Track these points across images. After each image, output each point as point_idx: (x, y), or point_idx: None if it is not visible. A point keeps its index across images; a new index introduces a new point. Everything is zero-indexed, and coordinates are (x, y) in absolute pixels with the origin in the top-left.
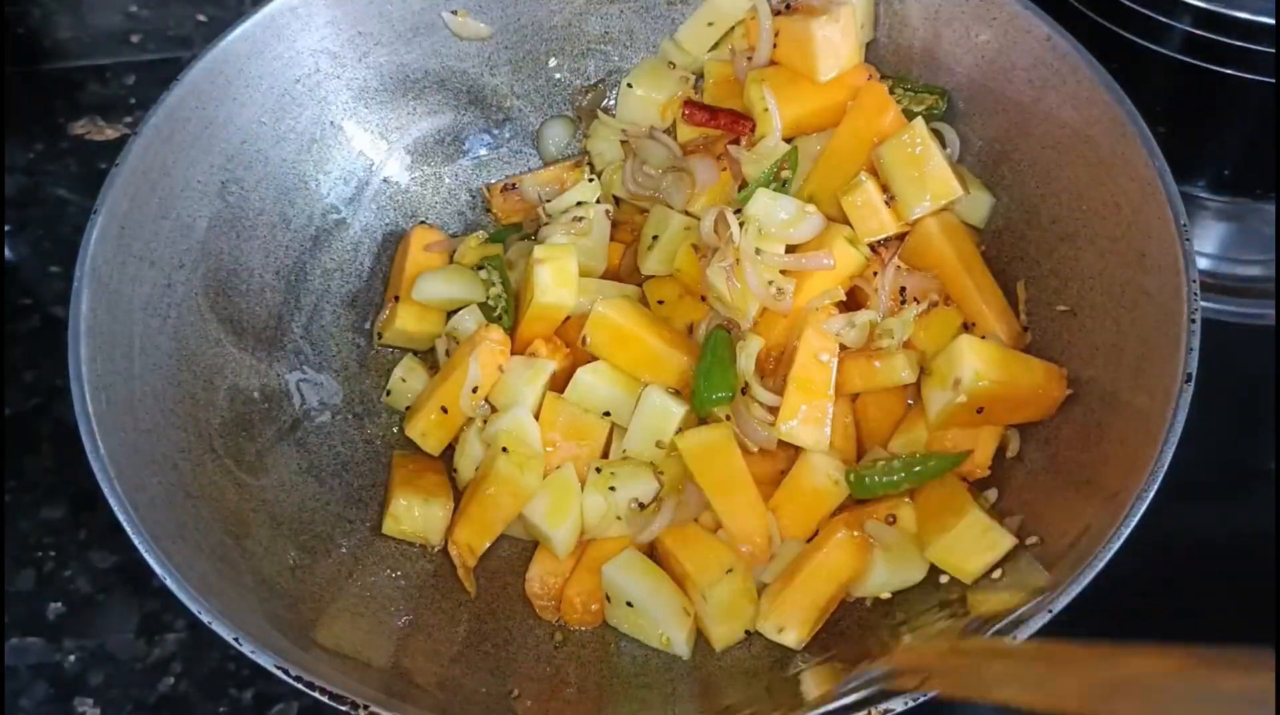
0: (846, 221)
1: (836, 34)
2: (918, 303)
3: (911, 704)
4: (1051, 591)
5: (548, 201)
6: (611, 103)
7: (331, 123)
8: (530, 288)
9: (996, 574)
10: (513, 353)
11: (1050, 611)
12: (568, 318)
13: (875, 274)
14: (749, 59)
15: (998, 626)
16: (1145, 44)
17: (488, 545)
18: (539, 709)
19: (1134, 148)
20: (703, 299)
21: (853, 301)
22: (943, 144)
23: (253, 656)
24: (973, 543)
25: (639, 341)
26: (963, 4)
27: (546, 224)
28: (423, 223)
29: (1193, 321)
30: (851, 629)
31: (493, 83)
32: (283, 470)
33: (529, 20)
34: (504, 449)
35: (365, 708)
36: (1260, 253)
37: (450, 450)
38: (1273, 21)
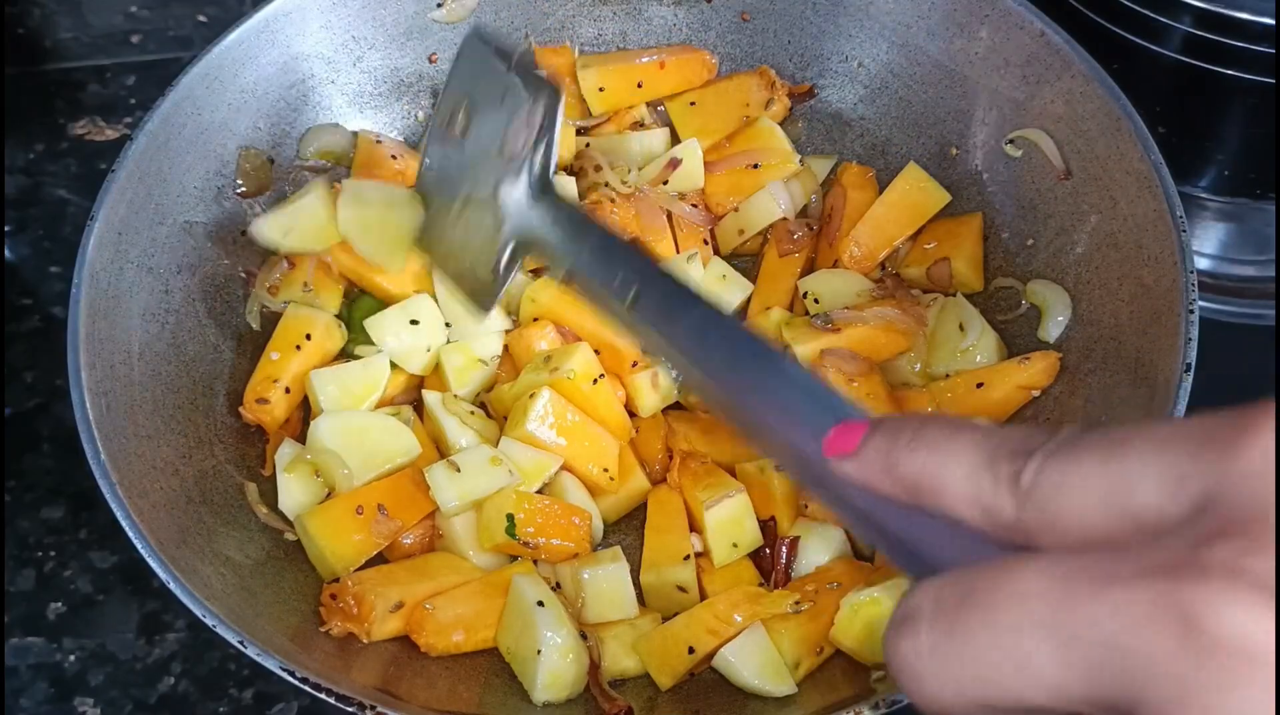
0: None
1: None
2: None
3: None
4: None
5: None
6: None
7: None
8: None
9: None
10: None
11: None
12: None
13: None
14: None
15: None
16: (1145, 44)
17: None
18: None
19: (1129, 142)
20: None
21: None
22: None
23: (258, 660)
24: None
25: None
26: (956, 1)
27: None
28: None
29: (1190, 312)
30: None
31: None
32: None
33: (523, 23)
34: None
35: (372, 708)
36: (1260, 253)
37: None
38: (1273, 22)
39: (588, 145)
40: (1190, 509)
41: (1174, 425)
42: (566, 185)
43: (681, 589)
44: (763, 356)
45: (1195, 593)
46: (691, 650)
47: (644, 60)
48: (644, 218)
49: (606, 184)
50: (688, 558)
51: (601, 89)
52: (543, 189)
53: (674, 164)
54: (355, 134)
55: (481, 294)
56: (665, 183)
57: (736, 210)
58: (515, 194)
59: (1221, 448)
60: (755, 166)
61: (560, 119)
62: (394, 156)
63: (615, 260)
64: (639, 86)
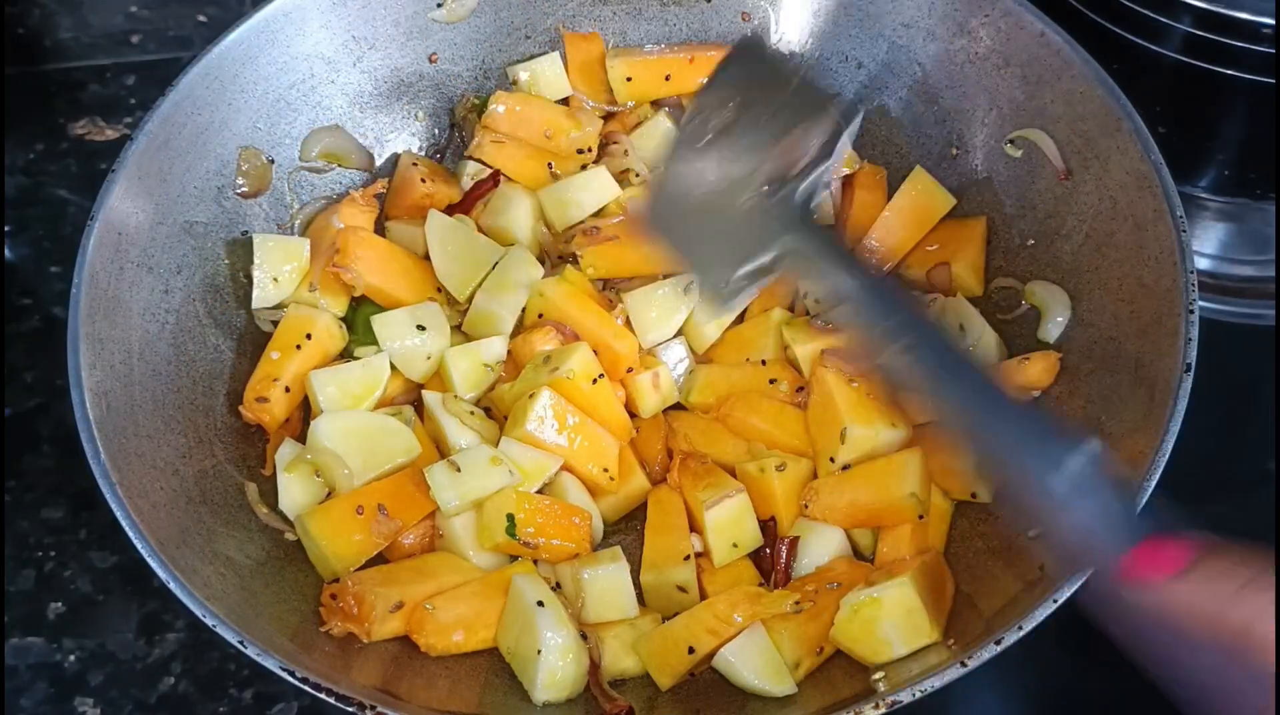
0: None
1: None
2: None
3: (920, 695)
4: (1055, 582)
5: None
6: None
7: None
8: None
9: None
10: None
11: (1055, 601)
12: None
13: None
14: None
15: (999, 615)
16: (1145, 44)
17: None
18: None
19: (1129, 142)
20: None
21: None
22: None
23: (258, 659)
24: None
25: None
26: (956, 1)
27: None
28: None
29: (1190, 312)
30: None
31: (487, 86)
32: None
33: (523, 22)
34: None
35: (372, 708)
36: (1260, 253)
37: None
38: (1273, 22)
39: (612, 139)
40: None
41: None
42: (600, 174)
43: (682, 589)
44: (1049, 446)
45: None
46: (691, 650)
47: (673, 53)
48: None
49: (631, 170)
50: (688, 558)
51: (629, 79)
52: (809, 210)
53: None
54: (398, 154)
55: (720, 290)
56: None
57: None
58: (783, 207)
59: None
60: None
61: (847, 143)
62: (423, 180)
63: (887, 303)
64: (666, 79)
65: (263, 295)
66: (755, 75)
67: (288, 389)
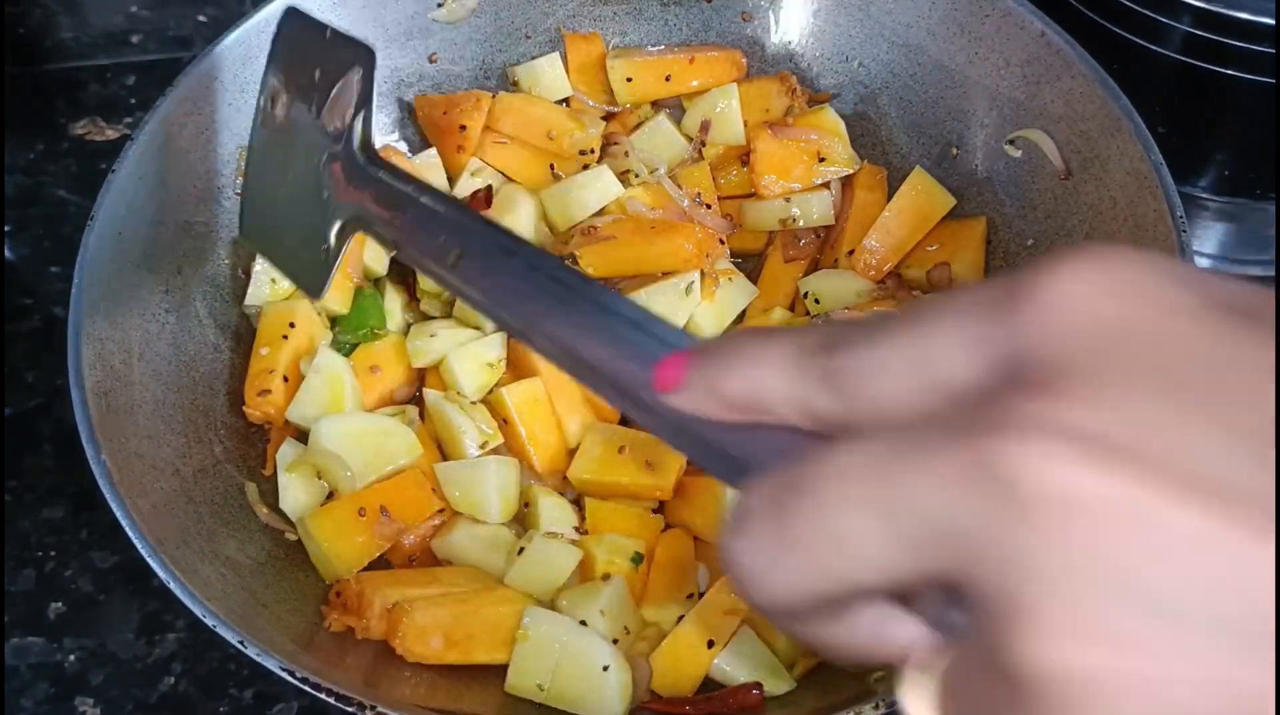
0: None
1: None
2: None
3: None
4: None
5: None
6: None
7: None
8: None
9: None
10: None
11: None
12: None
13: None
14: None
15: None
16: (1145, 44)
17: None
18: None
19: (1128, 141)
20: None
21: None
22: None
23: (259, 660)
24: None
25: None
26: (956, 1)
27: None
28: None
29: None
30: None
31: (487, 86)
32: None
33: (523, 22)
34: None
35: (372, 708)
36: (1260, 253)
37: None
38: (1273, 21)
39: (613, 140)
40: (994, 372)
41: (974, 288)
42: (603, 174)
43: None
44: (590, 295)
45: (1006, 451)
46: (711, 644)
47: (673, 54)
48: (665, 209)
49: (631, 170)
50: (690, 596)
51: (629, 79)
52: (368, 159)
53: (705, 128)
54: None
55: (311, 278)
56: (703, 143)
57: (788, 200)
58: (339, 169)
59: (1015, 303)
60: (822, 160)
61: (372, 83)
62: None
63: (437, 223)
64: (666, 79)
65: (257, 292)
66: (297, 48)
67: (286, 378)
